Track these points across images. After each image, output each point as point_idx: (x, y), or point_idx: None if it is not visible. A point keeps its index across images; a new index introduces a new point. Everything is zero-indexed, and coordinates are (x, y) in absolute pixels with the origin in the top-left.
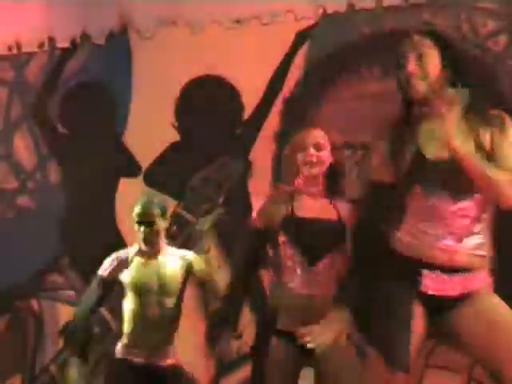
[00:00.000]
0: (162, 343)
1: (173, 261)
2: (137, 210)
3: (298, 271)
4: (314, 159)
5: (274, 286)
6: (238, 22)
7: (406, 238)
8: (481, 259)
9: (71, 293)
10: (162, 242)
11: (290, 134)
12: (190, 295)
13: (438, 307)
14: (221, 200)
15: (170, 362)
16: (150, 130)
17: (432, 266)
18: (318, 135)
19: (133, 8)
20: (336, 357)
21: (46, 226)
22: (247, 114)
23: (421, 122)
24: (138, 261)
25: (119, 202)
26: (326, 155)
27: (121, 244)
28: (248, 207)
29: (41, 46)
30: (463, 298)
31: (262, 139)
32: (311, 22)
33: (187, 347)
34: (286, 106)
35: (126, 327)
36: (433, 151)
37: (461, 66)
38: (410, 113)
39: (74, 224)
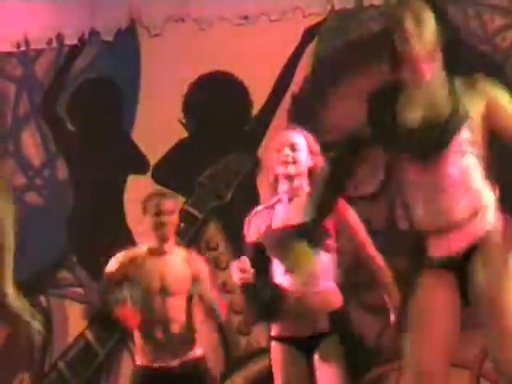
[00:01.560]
0: (173, 342)
1: (180, 263)
2: (155, 201)
3: (286, 277)
4: (290, 159)
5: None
6: (246, 18)
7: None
8: (473, 208)
9: (80, 290)
10: (173, 238)
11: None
12: None
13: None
14: (229, 197)
15: (186, 359)
16: (159, 126)
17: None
18: (292, 136)
19: (141, 5)
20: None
21: (54, 223)
22: (255, 110)
23: (406, 86)
24: (145, 259)
25: (127, 199)
26: (303, 156)
27: (129, 241)
28: (256, 204)
29: (49, 42)
30: (471, 251)
31: (271, 136)
32: (319, 18)
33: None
34: (294, 103)
35: (137, 331)
36: (416, 118)
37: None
38: (395, 74)
39: (83, 221)
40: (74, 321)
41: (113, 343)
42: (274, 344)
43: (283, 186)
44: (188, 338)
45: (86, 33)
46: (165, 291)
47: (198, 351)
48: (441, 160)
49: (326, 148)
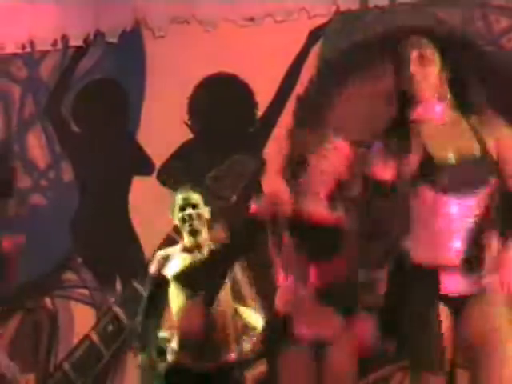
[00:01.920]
0: (212, 342)
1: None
2: (180, 195)
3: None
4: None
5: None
6: (251, 20)
7: (418, 247)
8: (493, 260)
9: (85, 291)
10: (206, 232)
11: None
12: None
13: (458, 307)
14: (234, 198)
15: (225, 360)
16: (164, 128)
17: (448, 268)
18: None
19: (146, 6)
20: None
21: (59, 224)
22: (260, 111)
23: (421, 123)
24: (181, 256)
25: (132, 201)
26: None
27: (134, 242)
28: None
29: (54, 44)
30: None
31: (276, 137)
32: (324, 19)
33: None
34: (299, 104)
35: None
36: (441, 152)
37: (460, 68)
38: (405, 114)
39: (88, 222)
40: (80, 322)
41: (118, 344)
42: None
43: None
44: (226, 342)
45: (90, 34)
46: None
47: (232, 354)
48: (471, 199)
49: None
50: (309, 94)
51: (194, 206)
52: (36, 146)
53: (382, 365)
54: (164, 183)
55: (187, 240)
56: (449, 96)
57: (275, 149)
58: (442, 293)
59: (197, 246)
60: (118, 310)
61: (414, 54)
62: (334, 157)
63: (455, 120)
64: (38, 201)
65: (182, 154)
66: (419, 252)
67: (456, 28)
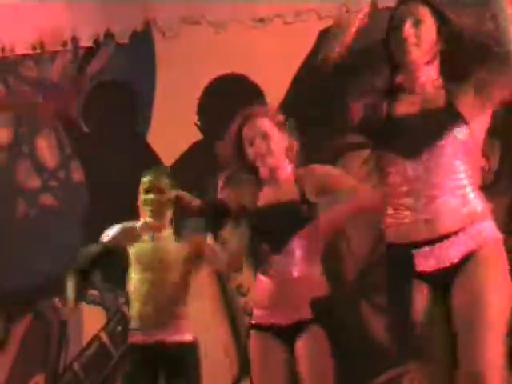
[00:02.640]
0: (167, 319)
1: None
2: (146, 177)
3: (272, 259)
4: (264, 151)
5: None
6: (261, 20)
7: (391, 223)
8: (467, 216)
9: (95, 292)
10: (169, 215)
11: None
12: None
13: (442, 282)
14: None
15: (180, 338)
16: (174, 129)
17: (419, 244)
18: (260, 125)
19: (156, 7)
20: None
21: (69, 225)
22: None
23: (402, 92)
24: (142, 234)
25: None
26: (276, 141)
27: None
28: None
29: (64, 45)
30: (462, 264)
31: None
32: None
33: (212, 344)
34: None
35: (132, 306)
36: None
37: (456, 41)
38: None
39: (97, 222)
40: (89, 322)
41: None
42: (252, 332)
43: (264, 174)
44: (177, 313)
45: (101, 35)
46: (160, 268)
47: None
48: (432, 157)
49: (342, 148)
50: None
51: (159, 191)
52: (46, 147)
53: (385, 369)
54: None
55: (148, 220)
56: (437, 62)
57: None
58: (419, 270)
59: (157, 227)
60: (127, 310)
61: (409, 19)
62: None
63: (435, 90)
64: (48, 201)
65: (192, 155)
66: (392, 232)
67: (467, 29)
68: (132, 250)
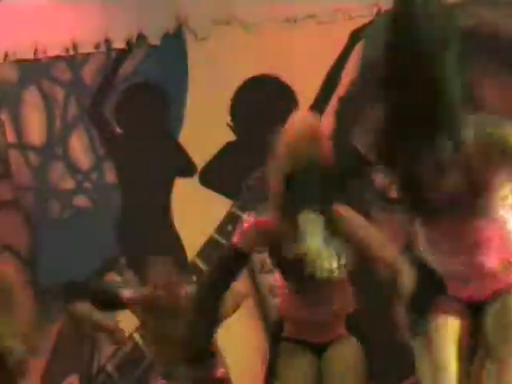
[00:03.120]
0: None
1: None
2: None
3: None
4: None
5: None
6: (293, 21)
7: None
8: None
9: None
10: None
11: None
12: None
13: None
14: None
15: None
16: (206, 129)
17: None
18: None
19: (188, 9)
20: (343, 356)
21: (103, 226)
22: (303, 112)
23: None
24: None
25: (175, 202)
26: None
27: (176, 243)
28: None
29: (97, 46)
30: (493, 298)
31: None
32: (366, 20)
33: (243, 351)
34: (340, 105)
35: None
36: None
37: None
38: None
39: (131, 223)
40: (123, 323)
41: None
42: (283, 343)
43: None
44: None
45: (133, 37)
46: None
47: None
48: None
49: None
50: (350, 94)
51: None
52: (79, 148)
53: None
54: (206, 185)
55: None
56: None
57: None
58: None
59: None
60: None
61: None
62: None
63: None
64: (82, 202)
65: (224, 156)
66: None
67: (498, 27)
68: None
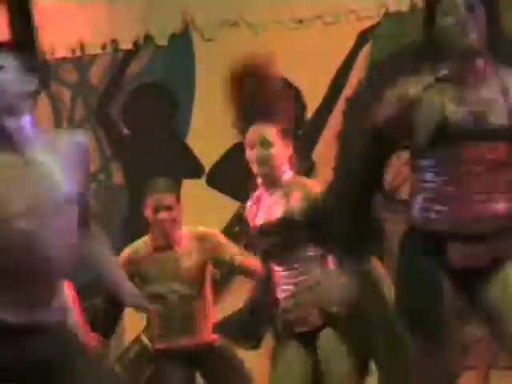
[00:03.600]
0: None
1: (191, 251)
2: (154, 195)
3: (277, 273)
4: (262, 157)
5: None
6: (300, 22)
7: (424, 211)
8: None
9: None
10: (180, 229)
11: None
12: None
13: (468, 280)
14: None
15: (204, 341)
16: (213, 130)
17: (457, 237)
18: (262, 132)
19: (195, 9)
20: (330, 345)
21: (110, 227)
22: (310, 114)
23: (460, 81)
24: (152, 256)
25: (182, 203)
26: (277, 149)
27: None
28: None
29: (104, 47)
30: (494, 267)
31: (325, 139)
32: (374, 21)
33: None
34: (348, 106)
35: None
36: (460, 117)
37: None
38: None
39: (138, 224)
40: (130, 324)
41: None
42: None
43: (260, 180)
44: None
45: (140, 37)
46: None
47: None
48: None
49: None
50: (358, 95)
51: (169, 208)
52: None
53: None
54: (214, 186)
55: (160, 240)
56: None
57: (325, 151)
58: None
59: (168, 247)
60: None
61: (462, 1)
62: None
63: (492, 81)
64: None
65: (231, 157)
66: (425, 218)
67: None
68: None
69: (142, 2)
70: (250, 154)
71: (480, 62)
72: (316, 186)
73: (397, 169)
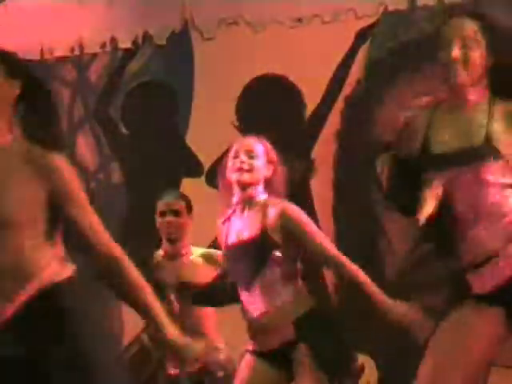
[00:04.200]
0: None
1: (197, 264)
2: (163, 200)
3: (243, 296)
4: (245, 166)
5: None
6: (299, 20)
7: None
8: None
9: None
10: (187, 240)
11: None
12: None
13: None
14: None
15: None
16: (212, 129)
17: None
18: (250, 143)
19: (194, 8)
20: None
21: (109, 226)
22: (309, 112)
23: (450, 110)
24: (161, 263)
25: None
26: (260, 164)
27: None
28: (310, 206)
29: (103, 46)
30: None
31: (324, 138)
32: (372, 20)
33: None
34: (347, 105)
35: None
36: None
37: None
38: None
39: (137, 224)
40: (130, 324)
41: None
42: (247, 355)
43: (237, 195)
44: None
45: (139, 36)
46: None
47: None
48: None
49: (380, 151)
50: (357, 94)
51: (176, 213)
52: (85, 149)
53: None
54: (213, 185)
55: (166, 246)
56: (485, 80)
57: (324, 150)
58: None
59: (175, 254)
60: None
61: (457, 39)
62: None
63: (480, 107)
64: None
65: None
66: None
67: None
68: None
69: (141, 1)
70: (232, 163)
71: (472, 95)
72: (292, 207)
73: None
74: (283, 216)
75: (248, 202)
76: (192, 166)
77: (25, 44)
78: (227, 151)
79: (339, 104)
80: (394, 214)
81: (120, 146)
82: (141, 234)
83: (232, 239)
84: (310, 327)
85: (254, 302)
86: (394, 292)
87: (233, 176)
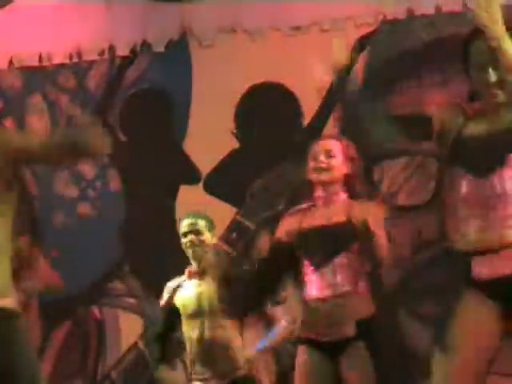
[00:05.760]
0: (219, 366)
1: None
2: (185, 222)
3: (313, 278)
4: (324, 165)
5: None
6: (297, 28)
7: (455, 232)
8: None
9: (132, 300)
10: (211, 257)
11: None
12: None
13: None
14: (281, 207)
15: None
16: (210, 137)
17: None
18: (328, 143)
19: (192, 16)
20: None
21: (107, 234)
22: (307, 120)
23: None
24: (187, 283)
25: (179, 210)
26: (338, 162)
27: (180, 251)
28: None
29: (101, 54)
30: None
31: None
32: (371, 28)
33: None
34: (344, 113)
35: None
36: (474, 129)
37: None
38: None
39: (135, 231)
40: (127, 331)
41: None
42: (300, 346)
43: (318, 192)
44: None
45: (137, 44)
46: (199, 314)
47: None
48: (497, 175)
49: (378, 158)
50: (355, 102)
51: (198, 233)
52: None
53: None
54: (210, 192)
55: (193, 265)
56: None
57: None
58: (476, 278)
59: (202, 272)
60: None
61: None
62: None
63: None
64: (86, 210)
65: (228, 163)
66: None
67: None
68: (178, 305)
69: (140, 9)
70: (312, 165)
71: (501, 97)
72: (376, 207)
73: (392, 175)
74: (366, 212)
75: (330, 199)
76: (190, 173)
77: (24, 50)
78: (225, 158)
79: (337, 112)
80: (395, 218)
81: (118, 154)
82: (138, 241)
83: (316, 222)
84: (371, 329)
85: (323, 284)
86: (394, 299)
87: (313, 176)
